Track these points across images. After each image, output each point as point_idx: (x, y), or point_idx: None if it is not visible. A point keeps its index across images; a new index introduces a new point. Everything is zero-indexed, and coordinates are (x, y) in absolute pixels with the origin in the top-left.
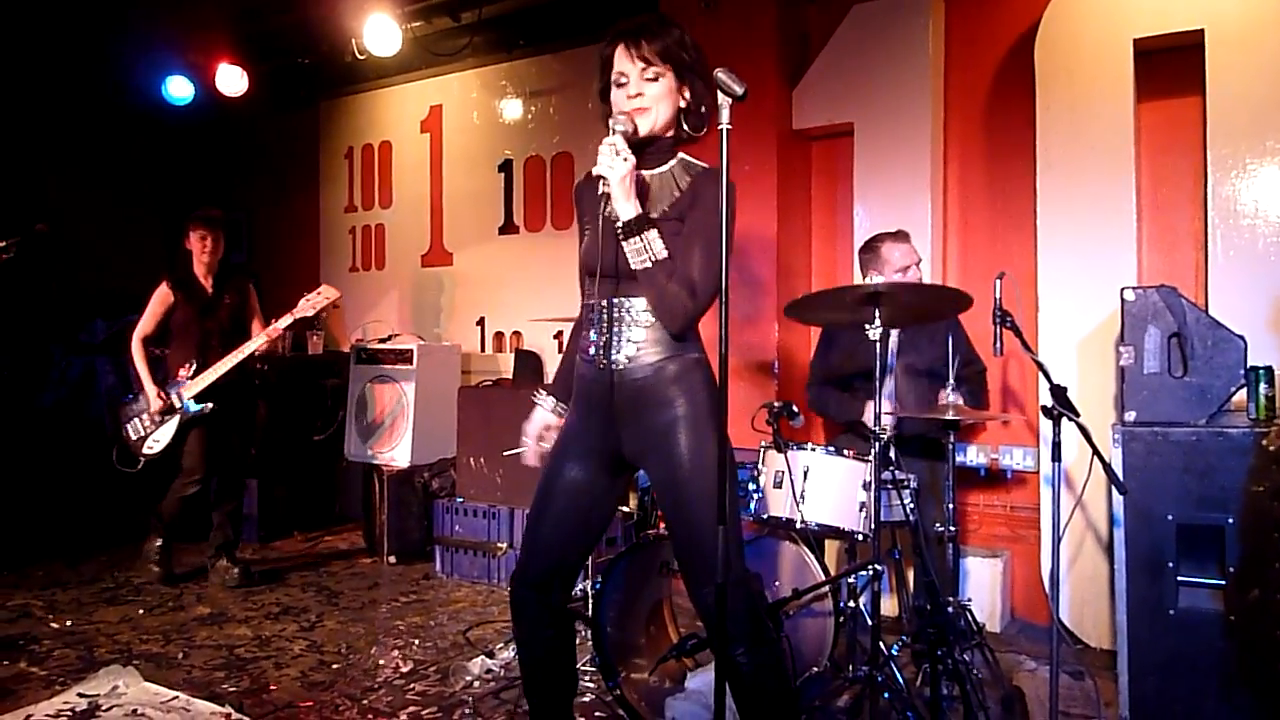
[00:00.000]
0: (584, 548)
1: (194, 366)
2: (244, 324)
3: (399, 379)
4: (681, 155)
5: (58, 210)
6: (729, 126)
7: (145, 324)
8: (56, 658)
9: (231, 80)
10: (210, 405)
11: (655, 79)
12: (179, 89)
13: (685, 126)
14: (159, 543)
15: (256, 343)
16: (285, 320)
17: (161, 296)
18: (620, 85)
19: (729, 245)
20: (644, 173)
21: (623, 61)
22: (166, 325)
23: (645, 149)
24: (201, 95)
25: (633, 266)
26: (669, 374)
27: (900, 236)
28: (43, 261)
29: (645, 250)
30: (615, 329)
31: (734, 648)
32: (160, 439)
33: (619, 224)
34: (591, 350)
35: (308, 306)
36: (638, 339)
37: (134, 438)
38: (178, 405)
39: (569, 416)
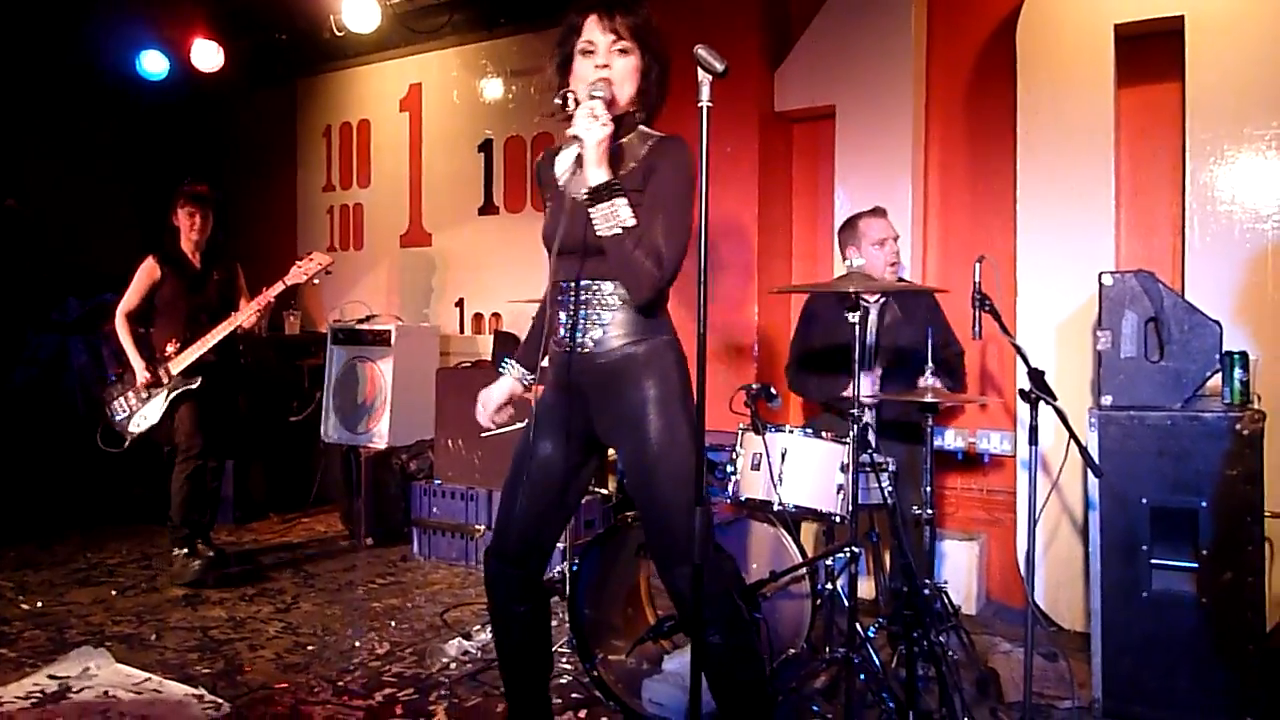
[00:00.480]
0: (557, 524)
1: (180, 342)
2: (232, 302)
3: (377, 360)
4: (640, 127)
5: (29, 187)
6: (709, 105)
7: (130, 299)
8: (27, 639)
9: (207, 56)
10: (199, 380)
11: (624, 54)
12: (153, 64)
13: (637, 109)
14: (184, 551)
15: (245, 314)
16: (277, 288)
17: (148, 271)
18: (587, 54)
19: (690, 215)
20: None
21: (593, 31)
22: (151, 302)
23: (620, 121)
24: (176, 71)
25: (599, 233)
26: (639, 357)
27: (877, 212)
28: (13, 238)
29: (612, 216)
30: (583, 311)
31: (708, 630)
32: (148, 415)
33: (587, 189)
34: (560, 331)
35: (300, 273)
36: (605, 321)
37: (119, 416)
38: (165, 380)
39: (544, 393)
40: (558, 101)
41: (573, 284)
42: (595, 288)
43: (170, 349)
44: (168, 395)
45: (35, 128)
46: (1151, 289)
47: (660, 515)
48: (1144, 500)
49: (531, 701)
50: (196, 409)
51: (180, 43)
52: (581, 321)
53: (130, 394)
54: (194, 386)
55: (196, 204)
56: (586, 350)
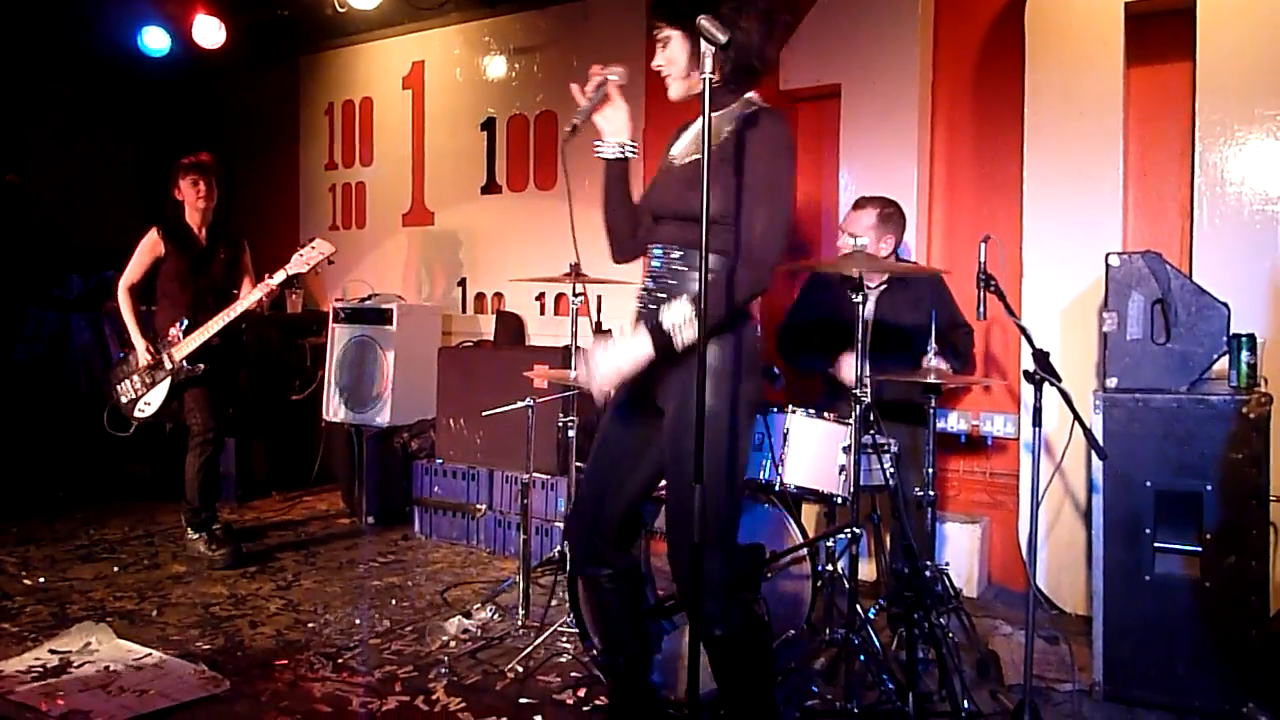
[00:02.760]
0: (627, 497)
1: (185, 324)
2: (237, 281)
3: (379, 339)
4: (746, 96)
5: (31, 163)
6: (712, 76)
7: (132, 272)
8: (29, 614)
9: (209, 32)
10: (203, 366)
11: (664, 44)
12: (155, 40)
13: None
14: (203, 536)
15: (250, 300)
16: (279, 276)
17: (151, 245)
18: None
19: (790, 198)
20: (714, 114)
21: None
22: (154, 277)
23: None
24: (178, 48)
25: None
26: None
27: (857, 203)
28: (15, 214)
29: (685, 321)
30: (661, 278)
31: (707, 622)
32: (152, 401)
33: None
34: (642, 293)
35: (302, 262)
36: (677, 288)
37: (125, 400)
38: (168, 365)
39: None
40: (566, 130)
41: (659, 250)
42: (673, 254)
43: (174, 332)
44: (171, 381)
45: (37, 104)
46: (1159, 270)
47: (676, 490)
48: (1148, 483)
49: (634, 687)
50: (208, 393)
51: (182, 19)
52: (657, 286)
53: (135, 376)
54: (198, 373)
55: (199, 172)
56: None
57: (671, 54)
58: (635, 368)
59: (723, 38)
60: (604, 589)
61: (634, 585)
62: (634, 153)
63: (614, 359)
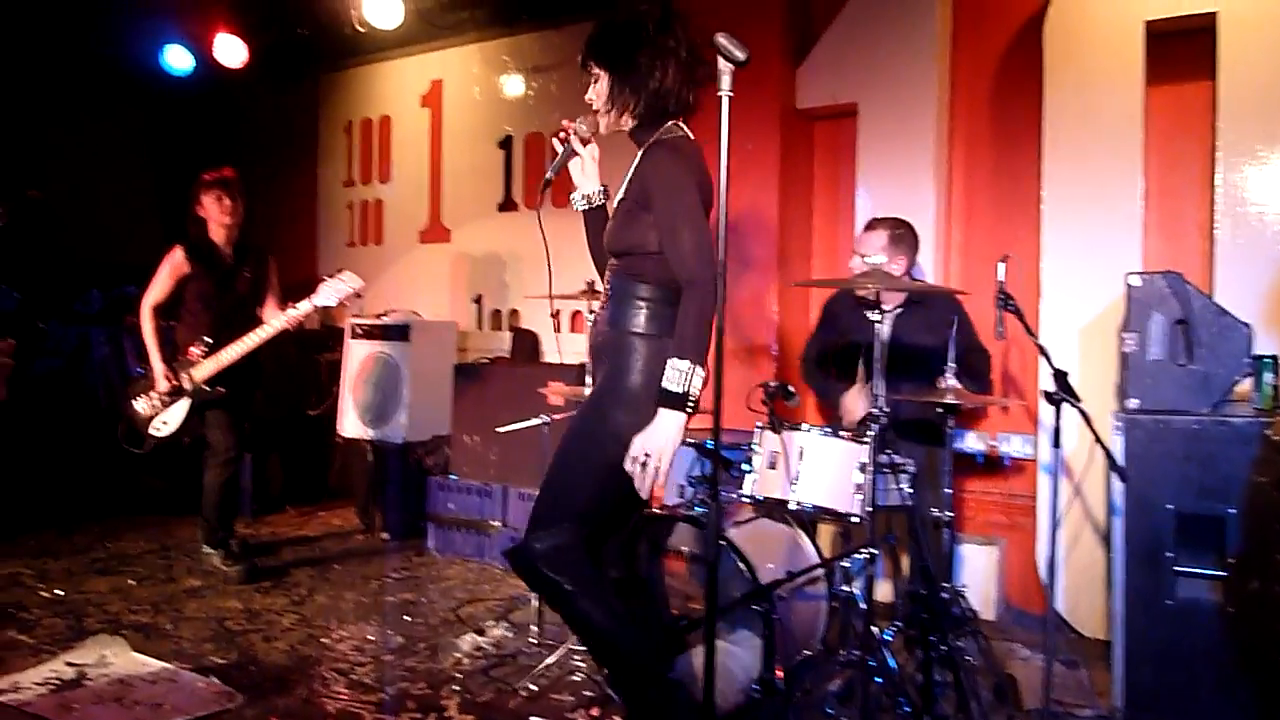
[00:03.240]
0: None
1: (208, 345)
2: (261, 298)
3: (395, 355)
4: (641, 136)
5: (53, 179)
6: (730, 94)
7: (156, 291)
8: (45, 626)
9: (230, 51)
10: (222, 389)
11: (595, 82)
12: (177, 59)
13: (630, 119)
14: (219, 552)
15: (273, 328)
16: (305, 306)
17: (175, 264)
18: None
19: (697, 208)
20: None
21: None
22: (178, 295)
23: (632, 135)
24: (200, 66)
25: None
26: (613, 346)
27: (869, 225)
28: (37, 230)
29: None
30: (605, 308)
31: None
32: (170, 421)
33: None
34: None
35: (330, 295)
36: (607, 307)
37: (141, 416)
38: (189, 386)
39: None
40: (540, 186)
41: (608, 277)
42: (614, 283)
43: (195, 351)
44: (191, 402)
45: (60, 121)
46: (1180, 290)
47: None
48: (1169, 506)
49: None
50: (229, 412)
51: (204, 38)
52: (603, 314)
53: (153, 394)
54: (218, 396)
55: (223, 188)
56: (594, 336)
57: (600, 89)
58: (680, 435)
59: (741, 55)
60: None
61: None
62: (603, 199)
63: (665, 441)
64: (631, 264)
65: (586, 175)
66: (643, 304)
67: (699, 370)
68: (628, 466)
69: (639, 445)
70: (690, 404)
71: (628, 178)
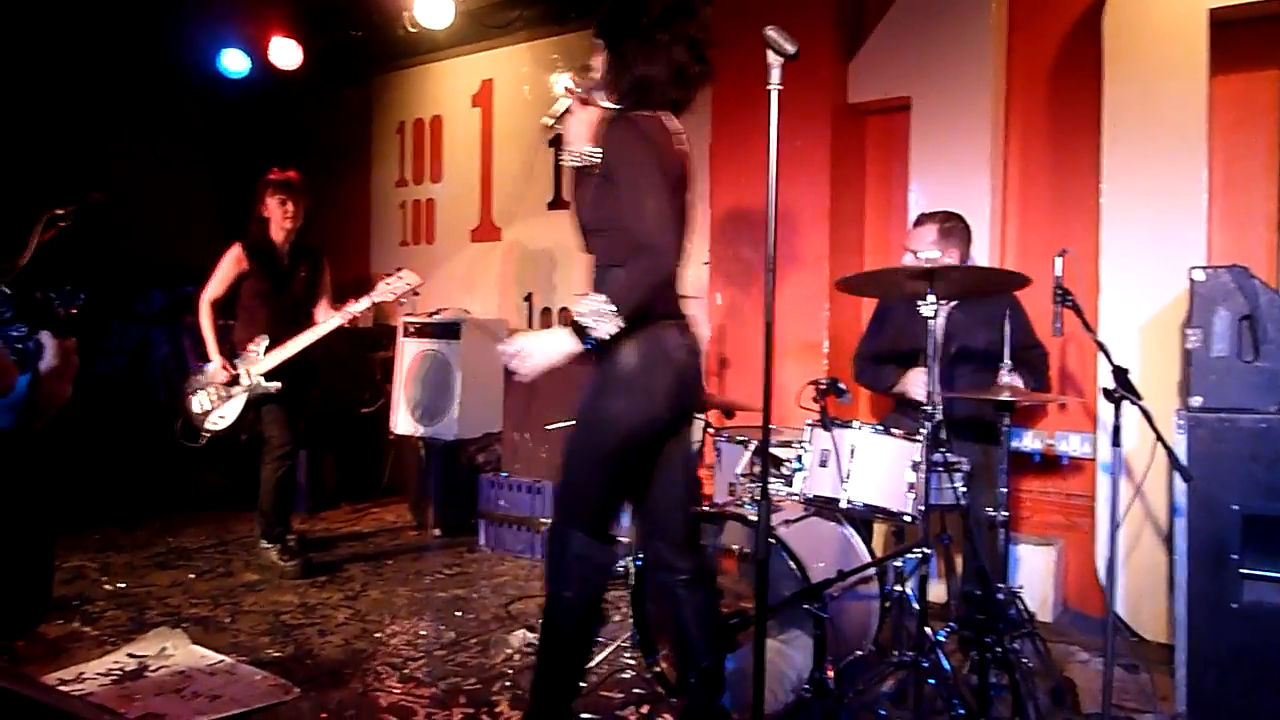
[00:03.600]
0: (673, 503)
1: (265, 341)
2: (316, 299)
3: (447, 353)
4: (609, 112)
5: (115, 182)
6: (779, 87)
7: (215, 287)
8: (109, 618)
9: (285, 54)
10: (279, 385)
11: (598, 53)
12: (234, 62)
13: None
14: (276, 547)
15: (332, 324)
16: (363, 303)
17: (235, 259)
18: None
19: (651, 177)
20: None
21: None
22: (235, 292)
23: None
24: (256, 69)
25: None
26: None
27: (918, 220)
28: (100, 231)
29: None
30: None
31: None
32: (226, 415)
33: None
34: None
35: (387, 291)
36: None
37: (198, 410)
38: (246, 381)
39: None
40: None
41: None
42: (591, 272)
43: (253, 348)
44: (248, 396)
45: (121, 125)
46: (1246, 285)
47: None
48: (1235, 507)
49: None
50: (285, 408)
51: (260, 41)
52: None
53: (211, 389)
54: (274, 391)
55: (287, 191)
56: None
57: (597, 61)
58: (561, 359)
59: (790, 49)
60: (677, 595)
61: (708, 591)
62: (595, 158)
63: (540, 349)
64: (608, 250)
65: (577, 135)
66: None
67: (617, 322)
68: (501, 351)
69: (520, 341)
70: (587, 340)
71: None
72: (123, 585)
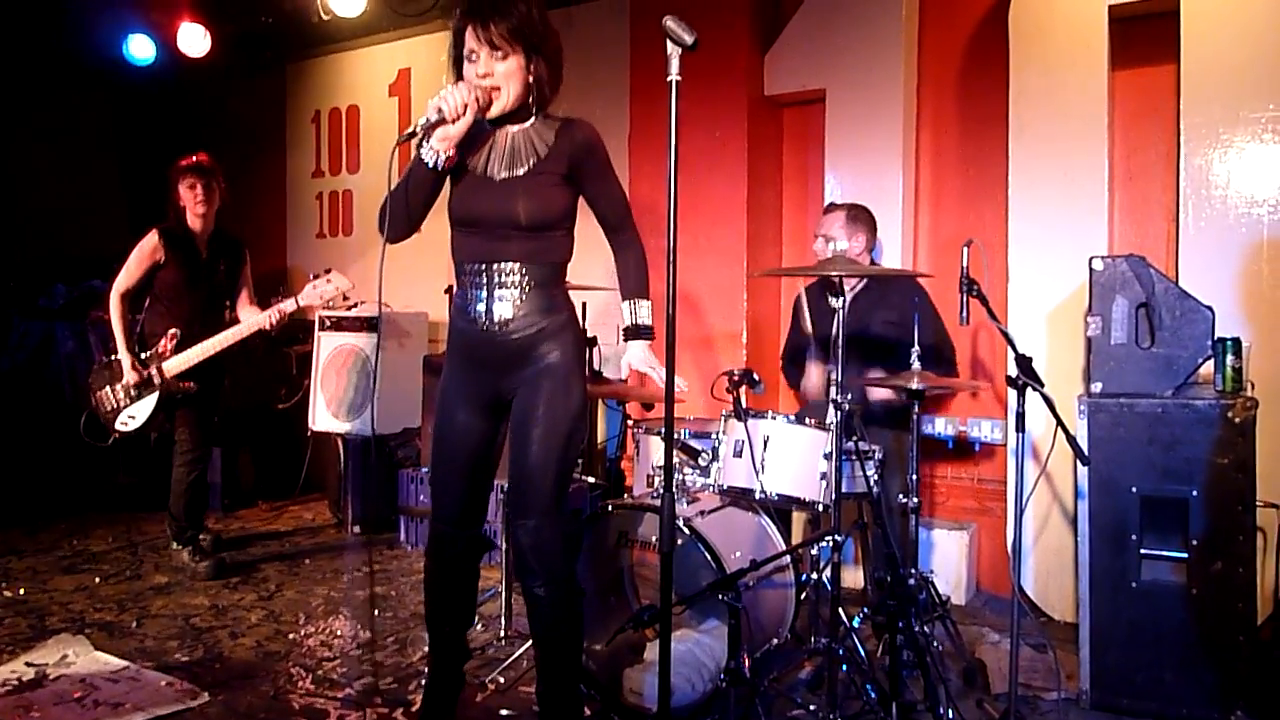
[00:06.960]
0: (484, 482)
1: (178, 338)
2: (235, 293)
3: (365, 347)
4: (539, 115)
5: (14, 172)
6: (678, 78)
7: (127, 277)
8: (7, 626)
9: (194, 40)
10: (192, 384)
11: (504, 58)
12: (140, 49)
13: (532, 100)
14: (188, 550)
15: (255, 324)
16: (288, 305)
17: (150, 249)
18: (471, 61)
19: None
20: (509, 129)
21: (472, 39)
22: (148, 283)
23: (509, 114)
24: (164, 56)
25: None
26: (546, 330)
27: (826, 209)
28: None
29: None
30: (497, 291)
31: (533, 579)
32: (137, 415)
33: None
34: (470, 312)
35: (315, 295)
36: (516, 301)
37: (107, 408)
38: (157, 381)
39: (451, 368)
40: (411, 131)
41: (482, 265)
42: (507, 269)
43: (165, 345)
44: (159, 396)
45: (21, 112)
46: (1143, 274)
47: (525, 468)
48: (1133, 489)
49: (457, 651)
50: (196, 408)
51: (167, 27)
52: (495, 302)
53: (118, 387)
54: (189, 391)
55: (196, 174)
56: (498, 329)
57: (508, 69)
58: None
59: (689, 39)
60: (466, 573)
61: (479, 554)
62: (445, 165)
63: (655, 357)
64: (547, 248)
65: (449, 139)
66: (559, 290)
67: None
68: (642, 367)
69: (652, 359)
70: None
71: (537, 152)
72: (23, 591)
